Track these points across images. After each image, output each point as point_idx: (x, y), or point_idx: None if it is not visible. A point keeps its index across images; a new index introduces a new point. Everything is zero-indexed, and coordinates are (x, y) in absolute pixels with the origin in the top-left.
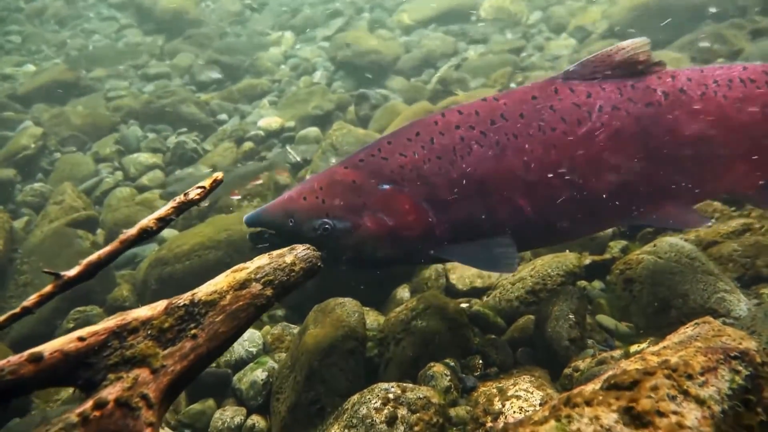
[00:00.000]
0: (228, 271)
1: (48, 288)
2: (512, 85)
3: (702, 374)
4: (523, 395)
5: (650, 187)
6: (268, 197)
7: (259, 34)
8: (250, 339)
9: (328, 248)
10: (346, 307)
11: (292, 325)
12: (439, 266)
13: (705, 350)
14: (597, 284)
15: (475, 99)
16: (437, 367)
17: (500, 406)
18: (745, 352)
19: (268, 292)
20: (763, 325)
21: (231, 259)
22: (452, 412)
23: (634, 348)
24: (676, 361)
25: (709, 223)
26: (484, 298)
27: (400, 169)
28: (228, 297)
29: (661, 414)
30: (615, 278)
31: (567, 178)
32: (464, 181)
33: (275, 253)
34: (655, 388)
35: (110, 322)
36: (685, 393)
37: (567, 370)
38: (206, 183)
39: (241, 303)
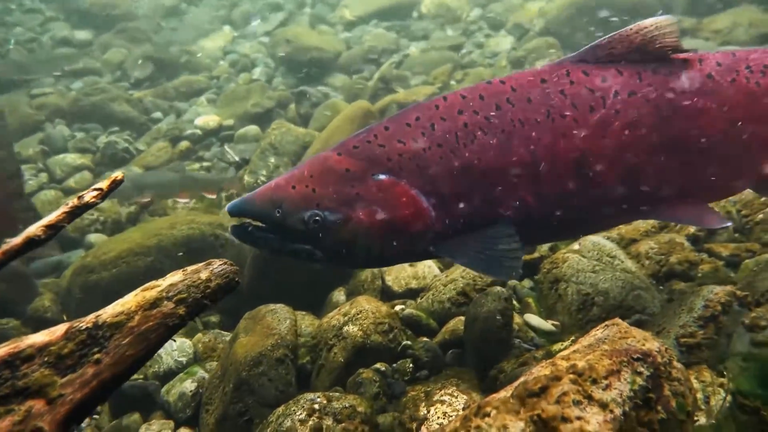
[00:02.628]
0: (138, 290)
1: None
2: (452, 82)
3: (606, 377)
4: (448, 400)
5: (670, 181)
6: (205, 198)
7: (196, 29)
8: (179, 348)
9: (318, 242)
10: (278, 313)
11: (226, 333)
12: (375, 268)
13: (610, 353)
14: (526, 283)
15: (479, 82)
16: (366, 374)
17: (425, 411)
18: (647, 353)
19: (181, 311)
20: (671, 321)
21: (162, 265)
22: (380, 419)
23: (556, 347)
24: (582, 365)
25: (728, 225)
26: (418, 300)
27: (398, 158)
28: (137, 318)
29: (566, 420)
30: (543, 277)
31: (577, 169)
32: (467, 172)
33: (190, 268)
34: (561, 394)
35: (1, 350)
36: (590, 398)
37: (493, 372)
38: (104, 184)
39: (151, 323)
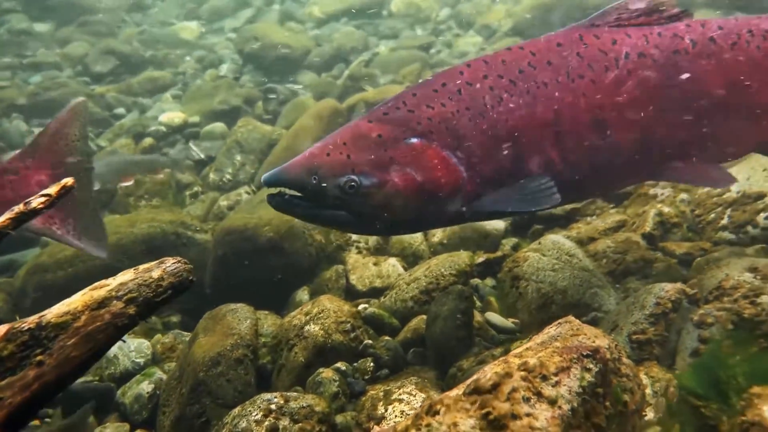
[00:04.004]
0: (86, 289)
1: None
2: (421, 81)
3: (556, 374)
4: (406, 398)
5: (677, 139)
6: (168, 196)
7: (161, 24)
8: (137, 349)
9: (354, 207)
10: (238, 313)
11: (186, 333)
12: (340, 267)
13: (561, 350)
14: (489, 282)
15: (498, 50)
16: (326, 373)
17: (383, 410)
18: (597, 350)
19: (131, 310)
20: (625, 318)
21: (121, 264)
22: (339, 418)
23: (516, 345)
24: (533, 362)
25: (733, 185)
26: (382, 299)
27: (428, 122)
28: (83, 318)
29: (515, 417)
30: (504, 276)
31: (596, 127)
32: (495, 133)
33: (141, 267)
34: (512, 391)
35: None
36: (539, 394)
37: (452, 370)
38: (53, 190)
39: (98, 324)
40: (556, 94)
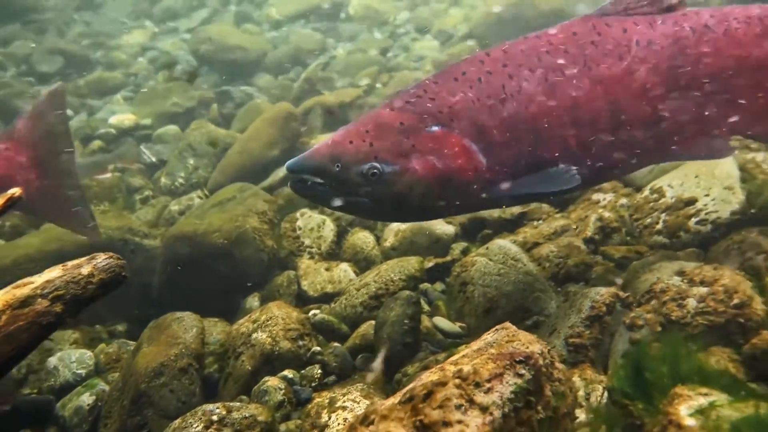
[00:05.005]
0: (8, 287)
1: None
2: (378, 85)
3: (489, 381)
4: (350, 406)
5: (684, 121)
6: (118, 200)
7: (113, 23)
8: (78, 360)
9: (376, 195)
10: (184, 322)
11: (131, 342)
12: (291, 273)
13: (496, 357)
14: (438, 286)
15: (515, 39)
16: (272, 381)
17: (327, 418)
18: (530, 356)
19: (58, 308)
20: (563, 321)
21: None
22: (283, 427)
23: (460, 349)
24: (467, 369)
25: (735, 152)
26: (332, 305)
27: (449, 110)
28: (4, 317)
29: (447, 424)
30: (453, 280)
31: (612, 113)
32: (515, 121)
33: (71, 263)
34: (445, 399)
35: None
36: (471, 401)
37: (398, 376)
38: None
39: (21, 323)
40: (573, 81)
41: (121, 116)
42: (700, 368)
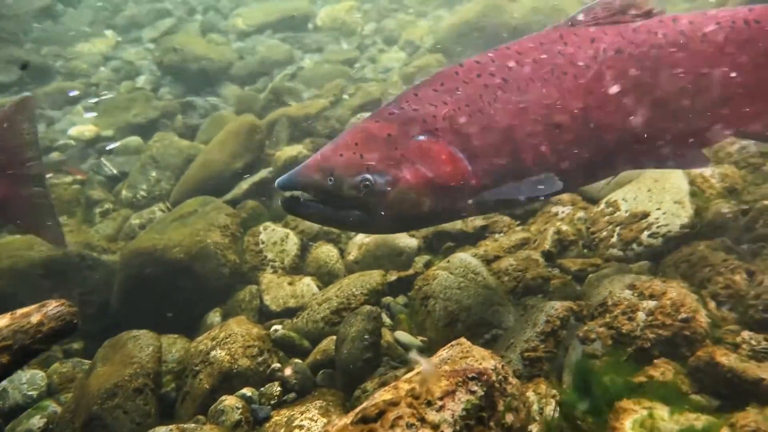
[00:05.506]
0: None
1: None
2: (345, 96)
3: (441, 399)
4: (307, 425)
5: (659, 129)
6: (77, 213)
7: (73, 32)
8: (29, 381)
9: (369, 206)
10: (140, 340)
11: (87, 361)
12: (254, 288)
13: (449, 374)
14: (401, 300)
15: (486, 51)
16: (229, 400)
17: None
18: (483, 372)
19: (4, 359)
20: (519, 335)
21: (15, 290)
22: None
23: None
24: (420, 389)
25: (709, 165)
26: (294, 320)
27: (433, 119)
28: None
29: None
30: (415, 294)
31: (583, 120)
32: (494, 128)
33: (19, 312)
34: (396, 418)
35: None
36: (422, 420)
37: (357, 392)
38: None
39: None
40: (544, 90)
41: (82, 127)
42: (646, 382)
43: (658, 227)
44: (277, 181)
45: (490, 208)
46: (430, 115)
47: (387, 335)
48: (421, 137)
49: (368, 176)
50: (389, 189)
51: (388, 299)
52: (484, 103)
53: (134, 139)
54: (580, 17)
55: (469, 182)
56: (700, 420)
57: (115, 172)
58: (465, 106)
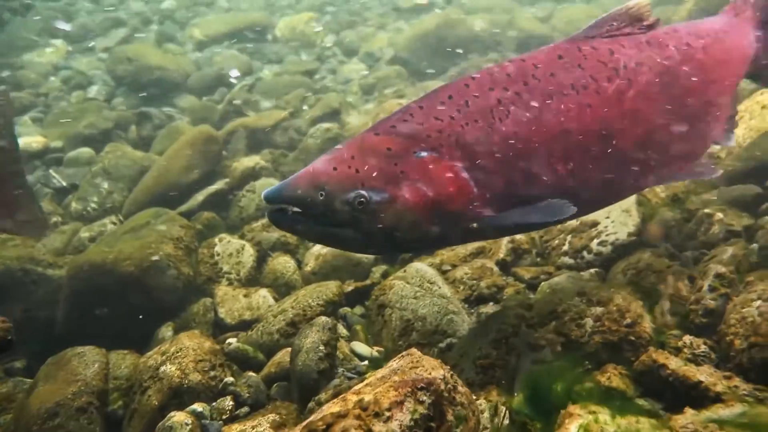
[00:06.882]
0: None
1: None
2: (305, 107)
3: (389, 409)
4: None
5: (676, 141)
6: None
7: (21, 41)
8: None
9: (362, 225)
10: (85, 357)
11: (29, 381)
12: (208, 300)
13: (398, 384)
14: (358, 310)
15: (499, 62)
16: (178, 417)
17: None
18: (431, 382)
19: None
20: (472, 343)
21: None
22: None
23: (372, 374)
24: (368, 399)
25: (719, 173)
26: (249, 332)
27: (438, 134)
28: None
29: None
30: (372, 304)
31: (603, 137)
32: (504, 146)
33: None
34: (344, 431)
35: None
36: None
37: (311, 404)
38: None
39: None
40: (561, 106)
41: (29, 138)
42: (591, 387)
43: (607, 235)
44: (264, 192)
45: (496, 233)
46: (434, 130)
47: (343, 346)
48: (424, 153)
49: (363, 192)
50: (386, 208)
51: (345, 310)
52: (496, 120)
53: (85, 151)
54: (594, 30)
55: (474, 206)
56: (641, 423)
57: (64, 184)
58: (474, 122)
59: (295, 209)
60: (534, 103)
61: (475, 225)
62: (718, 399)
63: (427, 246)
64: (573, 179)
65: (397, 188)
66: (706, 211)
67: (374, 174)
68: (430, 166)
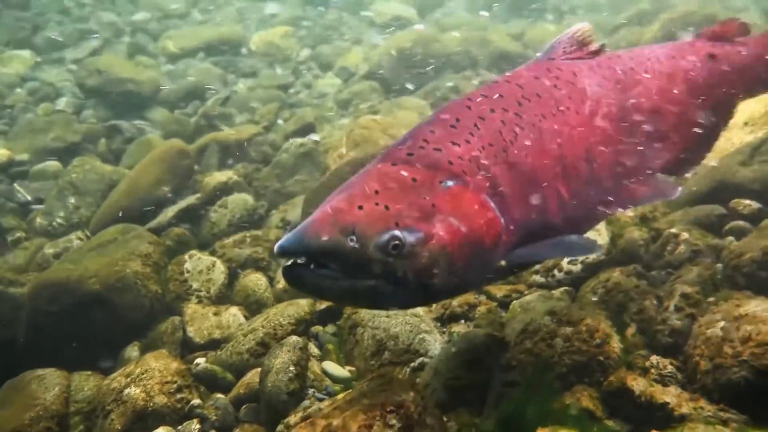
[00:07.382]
0: None
1: None
2: (279, 121)
3: None
4: None
5: (635, 162)
6: None
7: None
8: None
9: (396, 273)
10: (45, 380)
11: None
12: (177, 319)
13: (367, 407)
14: (330, 329)
15: (486, 83)
16: None
17: None
18: (401, 405)
19: None
20: (444, 363)
21: None
22: None
23: (342, 396)
24: (337, 423)
25: (679, 192)
26: (218, 352)
27: (459, 161)
28: None
29: None
30: (344, 323)
31: (587, 157)
32: (519, 170)
33: None
34: None
35: None
36: None
37: (280, 427)
38: None
39: None
40: (555, 126)
41: None
42: (561, 409)
43: None
44: (278, 244)
45: (521, 268)
46: (455, 156)
47: (314, 366)
48: (450, 183)
49: (398, 233)
50: (422, 250)
51: (317, 328)
52: (506, 141)
53: (52, 164)
54: (552, 52)
55: (502, 240)
56: None
57: (29, 198)
58: (489, 146)
59: (318, 262)
60: (532, 124)
61: (503, 263)
62: (683, 420)
63: (457, 291)
64: (573, 202)
65: (431, 225)
66: (673, 230)
67: (407, 210)
68: (459, 198)
